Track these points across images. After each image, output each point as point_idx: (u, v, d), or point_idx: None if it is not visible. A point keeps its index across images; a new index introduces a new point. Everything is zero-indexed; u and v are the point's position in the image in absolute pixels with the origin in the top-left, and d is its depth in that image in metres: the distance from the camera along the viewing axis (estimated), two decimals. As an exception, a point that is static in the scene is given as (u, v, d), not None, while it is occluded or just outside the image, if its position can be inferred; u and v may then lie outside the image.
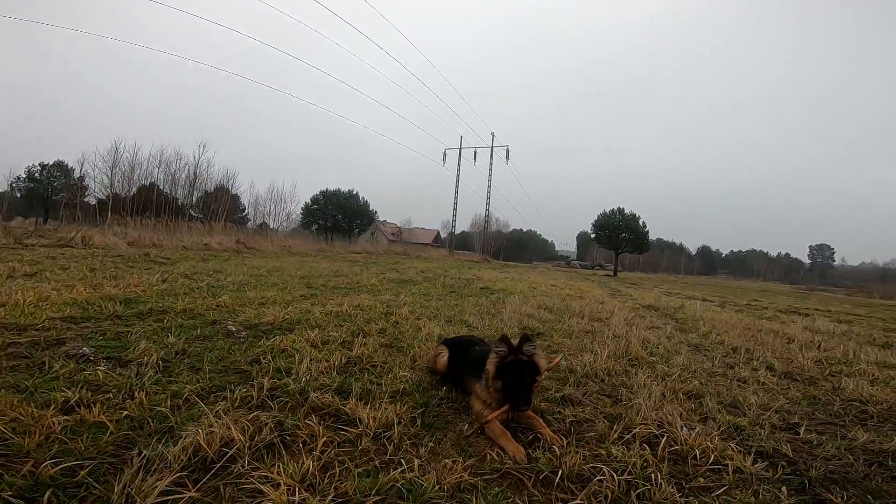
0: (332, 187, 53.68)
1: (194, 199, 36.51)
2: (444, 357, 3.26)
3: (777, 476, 2.21)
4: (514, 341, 2.63)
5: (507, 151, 50.73)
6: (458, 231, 56.22)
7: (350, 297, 7.51)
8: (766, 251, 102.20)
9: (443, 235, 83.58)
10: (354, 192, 52.99)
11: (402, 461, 2.07)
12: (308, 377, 3.06)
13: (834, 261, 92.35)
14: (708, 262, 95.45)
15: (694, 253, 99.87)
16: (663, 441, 2.43)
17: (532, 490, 2.00)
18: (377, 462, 2.07)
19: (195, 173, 35.96)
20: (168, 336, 3.78)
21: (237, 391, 2.67)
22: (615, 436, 2.53)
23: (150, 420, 2.23)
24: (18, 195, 47.44)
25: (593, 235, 42.97)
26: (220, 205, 34.32)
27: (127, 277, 7.31)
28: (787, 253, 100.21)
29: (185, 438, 2.01)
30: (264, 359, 3.42)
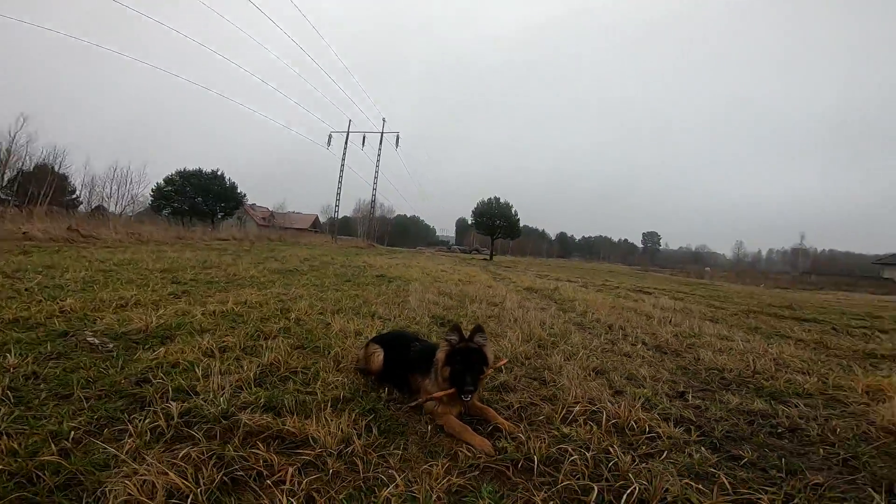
0: (191, 167, 46.73)
1: (4, 178, 28.70)
2: (380, 356, 3.11)
3: (693, 438, 2.56)
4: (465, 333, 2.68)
5: (398, 138, 50.49)
6: (340, 216, 54.11)
7: (231, 292, 6.67)
8: (609, 237, 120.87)
9: (322, 220, 79.75)
10: (219, 173, 46.91)
11: (382, 477, 1.92)
12: (224, 395, 2.61)
13: (660, 245, 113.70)
14: (565, 246, 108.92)
15: (553, 238, 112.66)
16: (604, 417, 2.70)
17: (516, 479, 2.03)
18: (355, 483, 1.89)
19: (8, 150, 28.22)
20: (6, 356, 2.88)
21: (139, 422, 2.16)
22: (560, 416, 2.72)
23: (36, 474, 1.67)
24: None
25: (473, 222, 45.52)
26: (43, 186, 27.43)
27: None
28: (625, 238, 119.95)
29: (112, 499, 1.54)
30: (154, 377, 2.83)
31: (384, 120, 51.58)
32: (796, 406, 3.21)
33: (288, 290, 7.49)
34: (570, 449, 2.25)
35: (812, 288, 33.86)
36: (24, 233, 15.48)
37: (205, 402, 2.48)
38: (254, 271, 10.08)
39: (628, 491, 1.92)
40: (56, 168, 32.36)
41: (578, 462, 2.14)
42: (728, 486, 2.00)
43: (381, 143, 50.50)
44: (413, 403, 2.66)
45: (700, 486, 2.00)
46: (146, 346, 3.51)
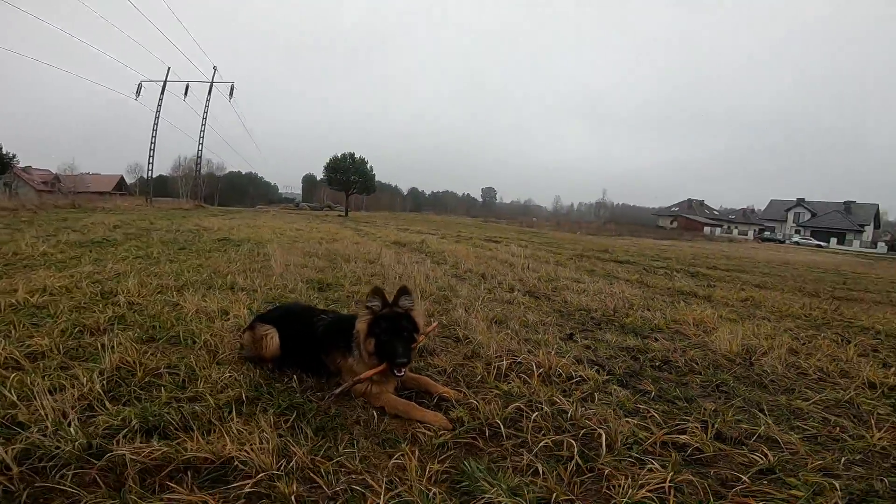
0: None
1: None
2: (274, 337, 2.57)
3: (604, 378, 2.79)
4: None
5: (232, 88, 44.29)
6: (155, 175, 44.86)
7: (16, 277, 4.89)
8: (455, 192, 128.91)
9: (130, 181, 65.31)
10: None
11: (356, 487, 1.59)
12: (72, 422, 1.85)
13: (497, 199, 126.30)
14: (417, 201, 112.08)
15: (406, 193, 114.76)
16: (533, 368, 2.76)
17: (490, 448, 1.92)
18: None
19: None
20: None
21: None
22: (493, 374, 2.70)
23: None
24: None
25: (325, 178, 42.82)
26: None
27: None
28: (468, 193, 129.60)
29: None
30: None
31: (215, 68, 43.42)
32: (657, 340, 3.77)
33: (102, 266, 5.82)
34: (522, 406, 2.24)
35: (613, 234, 41.70)
36: None
37: (45, 435, 1.74)
38: (44, 247, 7.57)
39: (595, 438, 2.01)
40: None
41: (539, 419, 2.15)
42: (659, 420, 2.21)
43: (210, 93, 42.88)
44: (338, 391, 2.23)
45: (638, 422, 2.19)
46: None
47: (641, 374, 2.99)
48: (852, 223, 66.64)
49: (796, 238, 63.26)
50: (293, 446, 1.76)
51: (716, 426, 2.22)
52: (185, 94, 41.44)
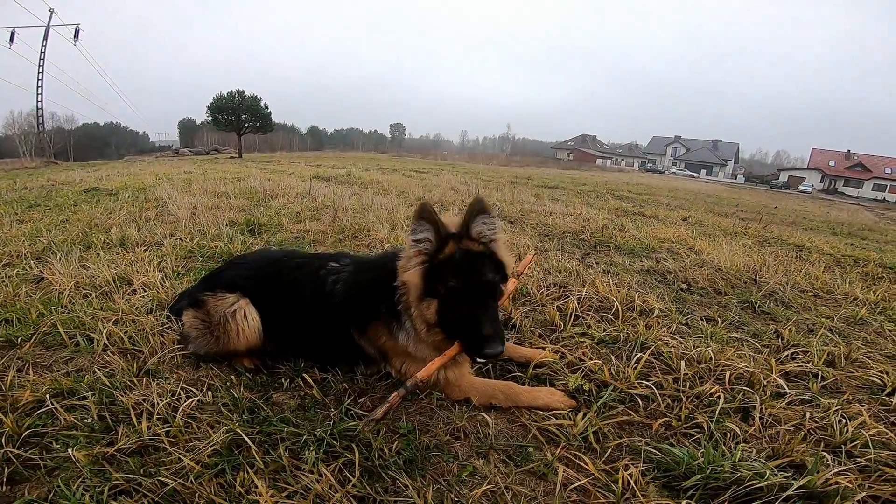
0: None
1: None
2: (251, 314, 1.55)
3: (667, 307, 2.36)
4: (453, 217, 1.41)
5: (77, 31, 36.84)
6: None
7: None
8: (360, 129, 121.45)
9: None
10: None
11: None
12: None
13: (405, 135, 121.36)
14: (318, 139, 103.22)
15: (304, 132, 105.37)
16: (598, 303, 2.25)
17: (649, 422, 1.35)
18: None
19: None
20: None
21: None
22: (556, 314, 2.09)
23: None
24: None
25: (210, 119, 36.56)
26: None
27: None
28: (375, 130, 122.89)
29: None
30: None
31: (52, 11, 34.76)
32: (663, 261, 3.44)
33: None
34: (645, 357, 1.63)
35: (520, 165, 42.55)
36: None
37: None
38: None
39: (754, 381, 1.61)
40: None
41: (672, 364, 1.66)
42: (768, 354, 1.89)
43: (45, 37, 34.38)
44: (381, 412, 1.27)
45: (757, 357, 1.85)
46: None
47: (682, 299, 2.64)
48: (718, 158, 76.57)
49: (673, 169, 71.80)
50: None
51: (786, 351, 1.94)
52: (11, 41, 33.87)
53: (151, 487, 1.04)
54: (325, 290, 1.54)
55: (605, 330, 1.94)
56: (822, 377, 1.71)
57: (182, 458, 1.11)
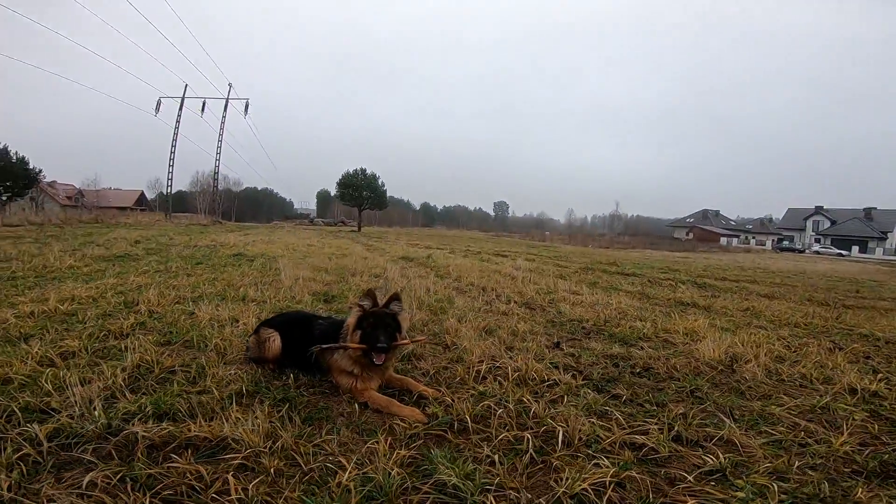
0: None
1: None
2: (276, 340, 2.87)
3: (580, 382, 2.97)
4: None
5: (247, 105, 45.36)
6: (173, 190, 46.28)
7: (48, 288, 5.34)
8: (466, 206, 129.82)
9: (150, 196, 67.43)
10: (1, 146, 35.28)
11: (329, 465, 1.85)
12: (96, 408, 2.17)
13: (509, 213, 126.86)
14: (428, 215, 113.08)
15: (418, 208, 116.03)
16: (508, 371, 3.00)
17: (456, 440, 2.14)
18: (304, 478, 1.78)
19: None
20: None
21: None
22: (472, 376, 2.94)
23: None
24: None
25: (338, 194, 43.65)
26: None
27: None
28: (480, 207, 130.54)
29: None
30: None
31: (230, 85, 44.90)
32: (643, 349, 3.93)
33: (125, 279, 6.27)
34: (492, 405, 2.46)
35: (626, 247, 41.42)
36: None
37: (73, 418, 2.08)
38: (71, 261, 8.12)
39: (554, 435, 2.18)
40: None
41: (504, 415, 2.37)
42: (622, 421, 2.38)
43: (225, 108, 44.28)
44: (326, 346, 2.58)
45: (602, 423, 2.35)
46: None
47: (619, 379, 3.14)
48: (874, 230, 64.32)
49: (817, 247, 60.96)
50: (281, 431, 2.05)
51: (677, 429, 2.35)
52: (202, 110, 42.86)
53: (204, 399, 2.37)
54: (313, 333, 2.80)
55: (490, 388, 2.75)
56: (648, 450, 2.13)
57: (221, 391, 2.45)
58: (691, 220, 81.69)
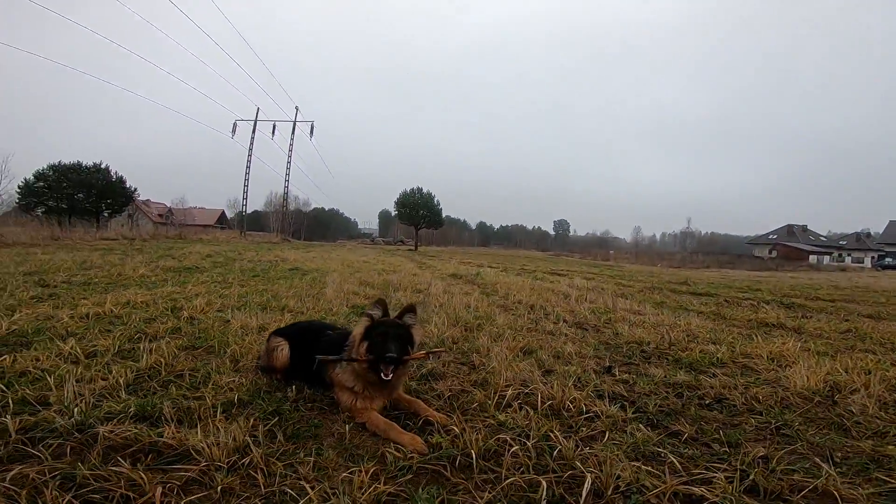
0: (67, 160, 39.57)
1: None
2: (285, 350, 2.67)
3: (630, 415, 2.44)
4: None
5: (312, 127, 47.74)
6: (249, 210, 50.09)
7: (112, 293, 5.69)
8: (524, 225, 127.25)
9: (230, 215, 73.62)
10: (103, 166, 40.53)
11: (290, 490, 1.58)
12: (79, 405, 2.11)
13: (570, 232, 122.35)
14: (485, 235, 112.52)
15: (474, 228, 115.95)
16: (538, 399, 2.53)
17: (455, 479, 1.77)
18: (253, 501, 1.53)
19: None
20: None
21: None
22: (494, 402, 2.50)
23: None
24: None
25: (395, 213, 44.73)
26: None
27: None
28: (538, 226, 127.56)
29: None
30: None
31: (297, 108, 47.94)
32: (715, 376, 3.27)
33: (183, 287, 6.59)
34: (508, 439, 2.04)
35: (700, 266, 38.27)
36: None
37: (58, 413, 2.04)
38: (143, 270, 8.81)
39: (580, 482, 1.74)
40: None
41: (520, 453, 1.95)
42: (678, 466, 1.90)
43: (293, 132, 47.18)
44: (330, 357, 2.31)
45: (650, 468, 1.88)
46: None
47: (682, 412, 2.58)
48: None
49: None
50: (253, 446, 1.81)
51: (752, 477, 1.82)
52: (273, 133, 45.65)
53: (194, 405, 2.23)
54: (319, 344, 2.54)
55: (514, 418, 2.32)
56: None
57: (215, 399, 2.28)
58: (774, 236, 73.84)
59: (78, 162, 39.54)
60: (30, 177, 38.09)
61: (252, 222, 56.45)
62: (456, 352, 3.65)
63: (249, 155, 44.46)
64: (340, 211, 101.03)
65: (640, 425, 2.35)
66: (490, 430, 2.16)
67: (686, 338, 4.63)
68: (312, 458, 1.81)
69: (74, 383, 2.30)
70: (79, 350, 2.98)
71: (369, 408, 2.23)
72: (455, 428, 2.12)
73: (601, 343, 4.43)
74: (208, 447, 1.76)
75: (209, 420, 2.02)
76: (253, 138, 44.62)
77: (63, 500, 1.45)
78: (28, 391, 2.24)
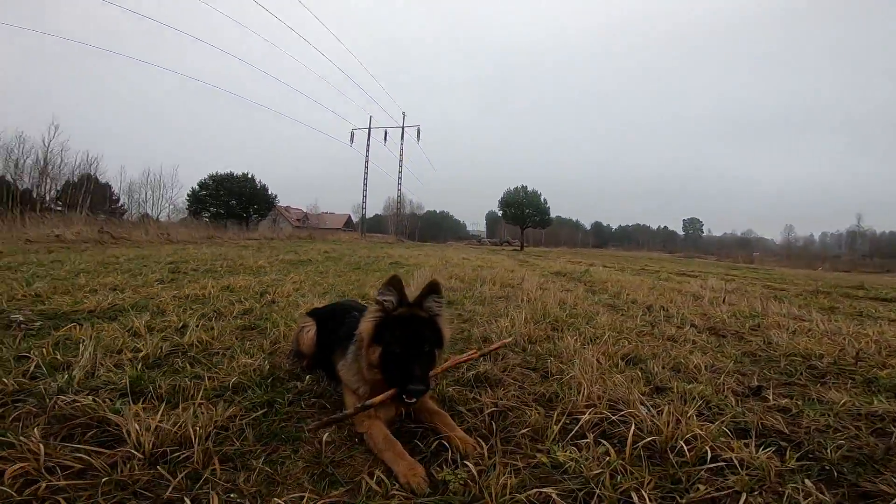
0: (223, 170, 47.77)
1: (48, 187, 30.34)
2: (311, 332, 2.28)
3: (789, 465, 1.54)
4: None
5: (419, 132, 48.10)
6: (371, 214, 54.05)
7: (223, 279, 6.12)
8: (647, 225, 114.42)
9: (355, 220, 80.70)
10: (250, 175, 47.69)
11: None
12: (86, 373, 2.05)
13: (703, 232, 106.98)
14: (600, 236, 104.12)
15: (588, 228, 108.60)
16: (631, 430, 1.64)
17: None
18: None
19: (45, 159, 29.84)
20: None
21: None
22: (557, 429, 1.72)
23: None
24: None
25: (500, 212, 43.90)
26: (79, 194, 28.85)
27: None
28: (664, 226, 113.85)
29: None
30: (35, 353, 2.29)
31: (404, 114, 49.86)
32: None
33: (285, 276, 6.90)
34: (555, 496, 1.28)
35: (876, 270, 30.44)
36: (56, 235, 15.90)
37: (56, 381, 1.96)
38: (263, 262, 9.60)
39: None
40: (92, 174, 33.51)
41: None
42: None
43: (402, 137, 48.98)
44: (320, 423, 1.62)
45: None
46: (76, 324, 3.01)
47: (886, 462, 1.59)
48: None
49: None
50: (198, 440, 1.45)
51: None
52: (385, 139, 47.57)
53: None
54: (342, 328, 2.06)
55: (581, 457, 1.49)
56: None
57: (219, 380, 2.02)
58: None
59: (230, 172, 47.00)
60: (195, 186, 46.30)
61: (373, 225, 60.89)
62: (529, 354, 2.90)
63: (366, 161, 47.82)
64: (450, 213, 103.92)
65: (809, 482, 1.42)
66: (533, 474, 1.43)
67: (881, 351, 3.23)
68: (267, 469, 1.37)
69: (96, 353, 2.24)
70: (142, 324, 3.01)
71: (374, 416, 1.66)
72: (482, 462, 1.44)
73: (745, 354, 3.28)
74: (139, 432, 1.43)
75: (188, 402, 1.72)
76: (368, 145, 47.82)
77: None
78: (59, 356, 2.23)
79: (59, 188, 32.01)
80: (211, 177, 46.67)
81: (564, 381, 2.27)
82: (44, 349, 2.30)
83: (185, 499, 1.21)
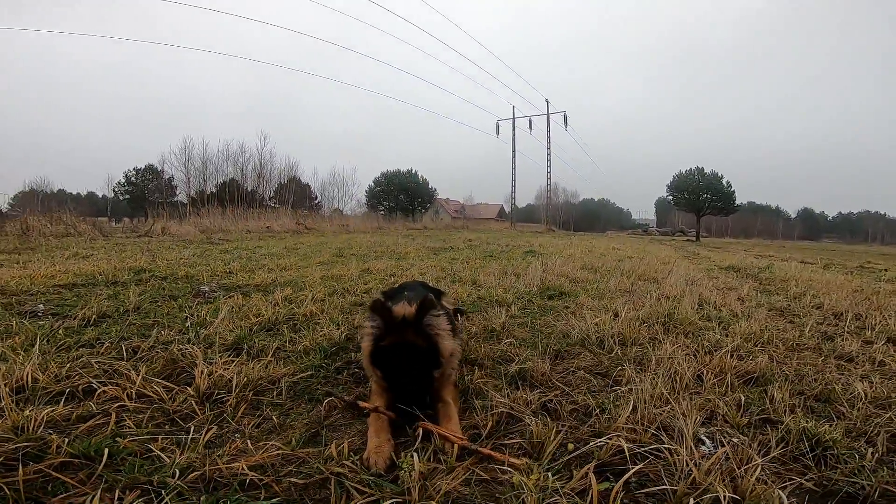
0: (391, 168, 54.13)
1: (264, 188, 39.09)
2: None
3: None
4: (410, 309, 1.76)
5: (565, 117, 46.50)
6: (523, 204, 54.18)
7: (369, 263, 6.99)
8: (882, 212, 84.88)
9: (507, 209, 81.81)
10: (413, 171, 52.94)
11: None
12: (213, 331, 2.59)
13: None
14: (811, 225, 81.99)
15: (794, 216, 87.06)
16: (630, 472, 1.32)
17: None
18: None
19: (260, 163, 38.39)
20: (129, 294, 3.59)
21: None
22: (553, 447, 1.47)
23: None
24: (122, 199, 53.66)
25: (670, 198, 38.19)
26: (287, 193, 36.40)
27: (164, 253, 7.38)
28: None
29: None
30: (196, 314, 3.05)
31: (548, 101, 47.90)
32: None
33: (422, 262, 7.50)
34: None
35: None
36: (266, 227, 20.33)
37: (189, 337, 2.49)
38: (410, 249, 10.59)
39: None
40: (294, 175, 41.81)
41: None
42: None
43: (548, 125, 47.34)
44: (342, 399, 1.80)
45: None
46: (244, 294, 3.91)
47: None
48: None
49: None
50: (236, 388, 1.75)
51: None
52: (530, 128, 46.74)
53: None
54: None
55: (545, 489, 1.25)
56: None
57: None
58: None
59: (398, 169, 52.65)
60: (371, 183, 53.15)
61: (525, 214, 60.88)
62: (610, 356, 2.54)
63: (513, 151, 47.71)
64: (612, 201, 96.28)
65: None
66: (485, 490, 1.27)
67: None
68: (274, 418, 1.61)
69: (228, 313, 2.92)
70: (281, 298, 3.66)
71: (382, 394, 1.73)
72: (448, 462, 1.36)
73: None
74: (202, 376, 1.75)
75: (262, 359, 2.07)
76: (514, 136, 47.60)
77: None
78: (207, 317, 2.92)
79: (273, 189, 40.55)
80: (382, 174, 53.22)
81: (622, 394, 1.94)
82: (203, 312, 3.04)
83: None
